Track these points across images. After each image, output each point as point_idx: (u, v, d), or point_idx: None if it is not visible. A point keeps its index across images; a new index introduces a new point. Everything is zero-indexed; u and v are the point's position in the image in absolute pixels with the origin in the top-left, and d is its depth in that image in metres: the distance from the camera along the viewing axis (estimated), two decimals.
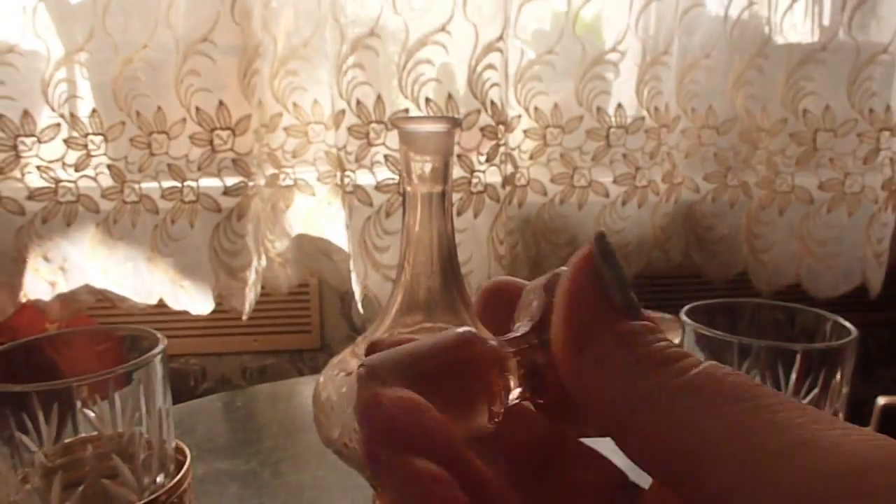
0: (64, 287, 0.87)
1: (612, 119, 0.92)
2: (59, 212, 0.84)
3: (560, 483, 0.18)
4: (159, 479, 0.38)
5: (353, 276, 0.89)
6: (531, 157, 0.93)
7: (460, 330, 0.16)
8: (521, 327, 0.17)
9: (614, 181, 0.94)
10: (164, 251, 0.87)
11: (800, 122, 0.95)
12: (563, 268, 0.17)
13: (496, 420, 0.16)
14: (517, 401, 0.17)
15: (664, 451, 0.14)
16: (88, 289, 0.88)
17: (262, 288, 0.92)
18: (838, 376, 0.33)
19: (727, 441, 0.13)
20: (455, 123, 0.41)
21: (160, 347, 0.37)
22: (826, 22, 0.92)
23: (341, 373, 0.41)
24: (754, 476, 0.12)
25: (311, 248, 0.96)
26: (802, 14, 0.93)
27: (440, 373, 0.16)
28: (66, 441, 0.37)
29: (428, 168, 0.41)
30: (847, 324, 0.34)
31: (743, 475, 0.12)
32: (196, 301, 0.89)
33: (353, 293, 0.91)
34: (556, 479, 0.18)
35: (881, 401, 0.40)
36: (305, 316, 1.08)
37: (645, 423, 0.14)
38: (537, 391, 0.17)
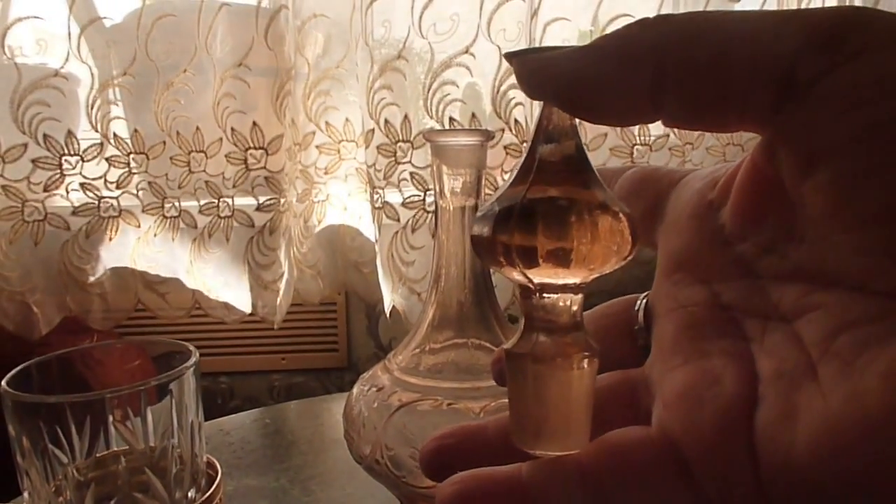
0: (107, 299, 0.86)
1: (636, 136, 0.89)
2: (101, 226, 0.83)
3: None
4: (191, 493, 0.36)
5: (383, 288, 0.87)
6: None
7: None
8: None
9: None
10: (201, 263, 0.85)
11: None
12: None
13: None
14: None
15: None
16: (131, 295, 0.87)
17: (295, 303, 0.90)
18: None
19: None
20: (488, 136, 0.39)
21: (193, 360, 0.35)
22: None
23: (372, 388, 0.39)
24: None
25: (341, 261, 0.95)
26: None
27: None
28: (98, 455, 0.35)
29: (460, 182, 0.39)
30: None
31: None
32: (230, 309, 0.88)
33: (379, 311, 0.89)
34: None
35: None
36: (332, 335, 1.04)
37: None
38: None
